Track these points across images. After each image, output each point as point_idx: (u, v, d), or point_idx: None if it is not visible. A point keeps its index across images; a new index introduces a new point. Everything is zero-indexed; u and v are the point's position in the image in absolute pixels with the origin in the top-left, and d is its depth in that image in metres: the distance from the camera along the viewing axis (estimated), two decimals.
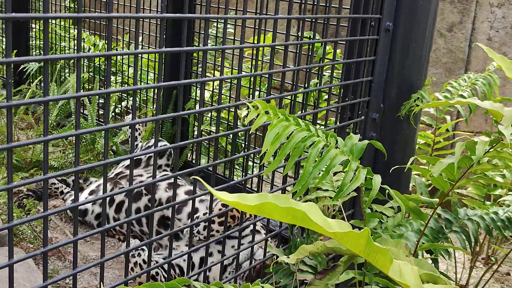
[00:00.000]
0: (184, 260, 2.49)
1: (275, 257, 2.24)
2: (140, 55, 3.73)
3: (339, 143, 1.50)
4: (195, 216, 2.46)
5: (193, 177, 1.22)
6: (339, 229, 0.94)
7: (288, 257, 1.55)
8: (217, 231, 2.38)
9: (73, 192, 3.08)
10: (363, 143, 1.51)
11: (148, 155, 3.05)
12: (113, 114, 3.94)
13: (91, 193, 2.91)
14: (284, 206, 0.89)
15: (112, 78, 4.26)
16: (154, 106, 3.82)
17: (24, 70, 4.44)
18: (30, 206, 2.74)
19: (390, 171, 1.79)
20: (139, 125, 3.35)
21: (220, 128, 3.72)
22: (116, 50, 4.28)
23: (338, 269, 1.56)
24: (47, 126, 1.07)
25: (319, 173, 1.44)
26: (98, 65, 4.25)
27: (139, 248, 2.38)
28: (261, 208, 0.89)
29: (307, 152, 1.43)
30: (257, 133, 3.11)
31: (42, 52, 4.55)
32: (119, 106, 4.12)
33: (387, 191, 1.54)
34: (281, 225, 1.97)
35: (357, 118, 2.21)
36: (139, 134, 3.34)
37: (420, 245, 1.63)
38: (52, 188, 3.06)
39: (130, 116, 3.47)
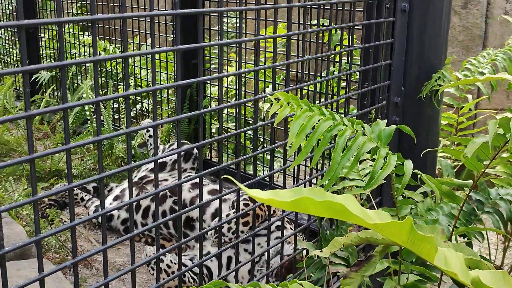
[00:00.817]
0: (211, 261, 2.46)
1: (304, 252, 2.20)
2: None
3: (366, 130, 1.45)
4: (217, 218, 2.43)
5: (223, 176, 1.17)
6: (379, 220, 0.90)
7: (321, 251, 1.51)
8: (242, 232, 2.34)
9: (94, 199, 3.06)
10: (391, 129, 1.47)
11: (173, 159, 3.02)
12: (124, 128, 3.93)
13: (115, 198, 2.89)
14: (321, 200, 0.85)
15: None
16: (169, 107, 3.79)
17: (37, 80, 4.43)
18: (53, 216, 2.72)
19: (421, 155, 1.73)
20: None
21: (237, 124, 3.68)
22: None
23: (373, 260, 1.51)
24: (68, 134, 1.03)
25: (348, 163, 1.39)
26: (110, 70, 4.23)
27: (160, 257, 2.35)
28: (297, 203, 0.85)
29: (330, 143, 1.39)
30: (274, 126, 3.07)
31: (53, 61, 4.54)
32: (134, 109, 4.09)
33: (418, 176, 1.49)
34: (309, 218, 1.93)
35: (378, 104, 2.16)
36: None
37: (456, 229, 1.57)
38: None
39: (147, 120, 3.44)
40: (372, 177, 1.38)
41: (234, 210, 2.42)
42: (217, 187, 2.73)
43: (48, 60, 4.63)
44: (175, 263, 2.35)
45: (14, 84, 4.78)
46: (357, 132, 1.42)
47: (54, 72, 4.46)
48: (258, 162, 3.39)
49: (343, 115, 1.53)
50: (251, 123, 3.85)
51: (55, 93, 4.47)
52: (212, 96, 3.58)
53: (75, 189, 3.07)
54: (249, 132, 3.42)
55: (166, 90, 3.95)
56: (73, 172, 3.35)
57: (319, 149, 1.38)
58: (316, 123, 1.38)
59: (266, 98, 3.03)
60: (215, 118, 3.65)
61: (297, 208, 0.87)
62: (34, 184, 1.00)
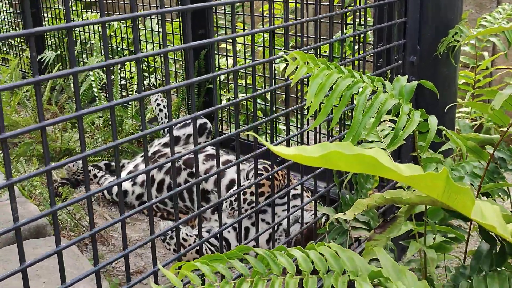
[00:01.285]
0: (229, 232, 2.42)
1: (323, 220, 2.16)
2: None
3: (387, 87, 1.39)
4: (232, 189, 2.39)
5: (248, 132, 1.13)
6: (411, 173, 0.85)
7: (345, 214, 1.46)
8: (259, 203, 2.30)
9: (107, 175, 3.03)
10: (412, 85, 1.41)
11: (187, 134, 2.97)
12: (137, 94, 3.87)
13: (129, 174, 2.85)
14: (351, 153, 0.80)
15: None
16: (177, 81, 3.73)
17: (42, 60, 4.38)
18: (67, 194, 2.69)
19: (443, 111, 1.68)
20: (163, 102, 3.26)
21: (247, 94, 3.61)
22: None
23: (398, 220, 1.47)
24: (79, 98, 0.98)
25: (369, 121, 1.33)
26: (116, 47, 4.17)
27: (171, 232, 2.32)
28: (326, 158, 0.80)
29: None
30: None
31: (57, 40, 4.48)
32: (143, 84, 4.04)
33: (443, 132, 1.43)
34: (328, 185, 1.88)
35: (394, 64, 2.09)
36: (164, 108, 3.24)
37: (483, 186, 1.52)
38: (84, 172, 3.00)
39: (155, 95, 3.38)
40: (395, 135, 1.32)
41: (249, 181, 2.38)
42: (231, 157, 2.68)
43: (52, 40, 4.56)
44: (190, 236, 2.32)
45: (20, 66, 4.73)
46: (377, 89, 1.36)
47: (59, 52, 4.40)
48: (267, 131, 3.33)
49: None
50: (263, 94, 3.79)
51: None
52: (221, 67, 3.52)
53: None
54: (260, 101, 3.36)
55: (174, 64, 3.89)
56: None
57: (339, 108, 1.32)
58: (335, 82, 1.33)
59: (280, 59, 2.95)
60: (225, 90, 3.60)
61: (327, 163, 0.82)
62: (47, 152, 0.96)
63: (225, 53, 3.36)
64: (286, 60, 1.37)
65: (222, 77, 3.37)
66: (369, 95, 1.34)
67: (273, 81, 1.58)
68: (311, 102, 1.30)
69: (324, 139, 3.40)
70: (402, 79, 1.42)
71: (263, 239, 2.35)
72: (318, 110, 1.38)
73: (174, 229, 2.33)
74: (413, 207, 1.43)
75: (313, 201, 1.82)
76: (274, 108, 3.13)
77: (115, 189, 2.80)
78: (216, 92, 3.33)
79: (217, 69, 3.31)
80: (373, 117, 1.35)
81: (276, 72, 3.02)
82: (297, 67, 1.34)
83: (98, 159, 3.25)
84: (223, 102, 3.50)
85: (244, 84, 3.21)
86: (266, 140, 3.22)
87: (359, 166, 0.82)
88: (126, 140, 1.10)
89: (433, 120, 1.33)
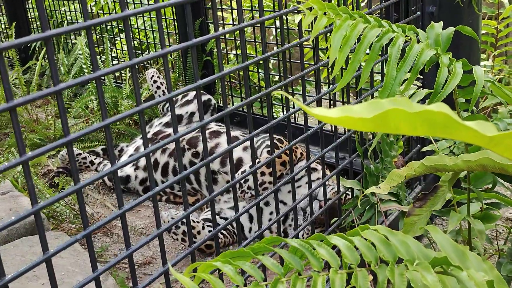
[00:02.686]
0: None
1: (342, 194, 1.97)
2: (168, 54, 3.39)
3: (420, 36, 1.19)
4: (240, 171, 2.20)
5: (280, 92, 0.93)
6: (494, 133, 0.65)
7: (378, 187, 1.27)
8: (270, 183, 2.11)
9: (106, 161, 2.83)
10: (449, 32, 1.20)
11: (189, 112, 2.76)
12: (130, 73, 3.65)
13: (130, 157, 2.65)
14: (415, 110, 0.60)
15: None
16: (173, 55, 3.51)
17: (28, 45, 4.15)
18: (63, 184, 2.50)
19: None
20: (160, 78, 3.05)
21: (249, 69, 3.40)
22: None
23: (440, 191, 1.27)
24: (57, 74, 0.78)
25: (404, 76, 1.13)
26: (105, 25, 3.93)
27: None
28: (383, 119, 0.60)
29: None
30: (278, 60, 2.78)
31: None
32: None
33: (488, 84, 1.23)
34: (350, 156, 1.69)
35: (412, 15, 1.88)
36: (162, 85, 3.03)
37: None
38: (79, 160, 2.80)
39: (151, 69, 3.17)
40: (436, 92, 1.12)
41: (257, 160, 2.18)
42: (237, 133, 2.48)
43: (37, 23, 4.33)
44: (198, 222, 2.13)
45: (5, 53, 4.50)
46: (410, 39, 1.15)
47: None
48: (276, 102, 3.13)
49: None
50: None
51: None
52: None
53: (82, 152, 2.84)
54: (260, 70, 3.15)
55: (167, 38, 3.66)
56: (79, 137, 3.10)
57: (368, 63, 1.12)
58: (361, 33, 1.12)
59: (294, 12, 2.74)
60: (224, 61, 3.38)
61: (383, 125, 0.62)
62: (20, 140, 0.76)
63: (221, 21, 3.14)
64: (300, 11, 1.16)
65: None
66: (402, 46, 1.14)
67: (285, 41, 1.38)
68: (335, 58, 1.09)
69: (339, 103, 3.19)
70: (437, 26, 1.22)
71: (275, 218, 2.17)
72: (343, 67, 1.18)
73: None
74: (457, 174, 1.24)
75: (335, 175, 1.62)
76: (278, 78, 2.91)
77: None
78: (213, 67, 3.13)
79: (213, 39, 3.09)
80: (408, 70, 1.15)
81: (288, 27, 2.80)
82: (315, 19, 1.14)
83: (95, 145, 3.06)
84: None
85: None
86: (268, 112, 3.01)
87: (425, 126, 0.62)
88: (118, 119, 0.90)
89: (479, 71, 1.13)
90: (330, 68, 2.35)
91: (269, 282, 0.77)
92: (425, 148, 1.85)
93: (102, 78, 3.59)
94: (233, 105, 3.26)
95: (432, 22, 2.00)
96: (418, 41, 1.18)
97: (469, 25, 2.11)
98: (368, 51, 1.14)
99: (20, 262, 1.81)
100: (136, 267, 2.14)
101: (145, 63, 3.82)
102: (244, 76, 1.17)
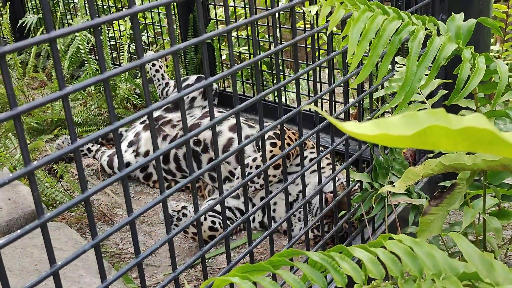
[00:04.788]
0: (243, 203, 2.19)
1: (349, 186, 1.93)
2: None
3: (441, 29, 1.13)
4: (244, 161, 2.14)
5: (309, 107, 0.88)
6: None
7: (393, 185, 1.22)
8: (274, 176, 2.07)
9: (103, 148, 2.77)
10: (470, 24, 1.15)
11: (190, 97, 2.70)
12: (128, 54, 3.58)
13: (129, 144, 2.60)
14: (457, 127, 0.55)
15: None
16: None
17: (24, 25, 4.06)
18: (62, 171, 2.45)
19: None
20: (159, 61, 2.98)
21: (250, 47, 3.34)
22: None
23: (458, 189, 1.23)
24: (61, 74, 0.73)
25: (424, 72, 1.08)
26: (101, 5, 3.85)
27: (177, 213, 2.09)
28: (422, 136, 0.56)
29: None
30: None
31: (37, 2, 4.15)
32: (133, 44, 3.74)
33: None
34: (360, 147, 1.64)
35: (423, 1, 1.82)
36: (160, 68, 2.96)
37: None
38: None
39: (149, 52, 3.10)
40: (457, 89, 1.07)
41: (260, 152, 2.14)
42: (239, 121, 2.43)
43: (32, 2, 4.23)
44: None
45: (0, 33, 4.41)
46: (432, 32, 1.10)
47: (41, 14, 4.08)
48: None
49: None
50: (267, 48, 3.49)
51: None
52: (218, 18, 3.22)
53: (77, 140, 2.78)
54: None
55: (166, 20, 3.58)
56: (77, 120, 3.05)
57: (387, 57, 1.07)
58: (381, 26, 1.07)
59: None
60: (224, 43, 3.31)
61: (422, 143, 0.57)
62: (25, 147, 0.71)
63: (221, 3, 3.07)
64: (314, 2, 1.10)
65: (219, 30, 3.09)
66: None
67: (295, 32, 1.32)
68: (353, 52, 1.04)
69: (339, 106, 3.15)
70: (458, 17, 1.16)
71: (282, 210, 2.13)
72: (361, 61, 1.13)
73: (181, 209, 2.11)
74: (475, 172, 1.19)
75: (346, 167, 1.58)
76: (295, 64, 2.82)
77: (115, 162, 2.56)
78: (214, 50, 3.06)
79: (213, 21, 3.02)
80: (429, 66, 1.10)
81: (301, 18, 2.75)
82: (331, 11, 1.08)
83: (94, 129, 3.00)
84: (223, 57, 3.22)
85: (245, 36, 2.93)
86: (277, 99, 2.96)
87: (466, 143, 0.58)
88: (129, 121, 0.84)
89: (503, 67, 1.08)
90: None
91: None
92: None
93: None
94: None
95: (443, 8, 1.95)
96: (439, 34, 1.13)
97: (480, 10, 2.05)
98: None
99: (21, 254, 1.77)
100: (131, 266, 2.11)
101: (144, 47, 3.74)
102: (255, 71, 1.12)
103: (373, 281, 0.76)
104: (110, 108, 0.80)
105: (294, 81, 1.21)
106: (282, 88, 1.84)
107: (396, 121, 0.59)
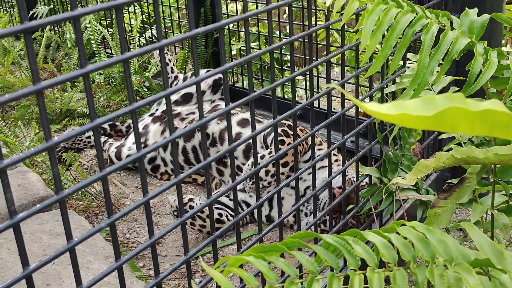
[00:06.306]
0: (251, 196, 2.21)
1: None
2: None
3: (454, 23, 1.14)
4: (250, 161, 2.15)
5: (335, 86, 0.90)
6: None
7: (404, 178, 1.23)
8: (282, 173, 2.08)
9: (111, 140, 2.79)
10: (484, 19, 1.16)
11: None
12: (138, 47, 3.59)
13: None
14: (476, 109, 0.56)
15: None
16: (182, 32, 3.45)
17: (34, 16, 4.08)
18: (71, 160, 2.47)
19: None
20: (168, 55, 3.00)
21: (260, 42, 3.34)
22: None
23: (467, 183, 1.24)
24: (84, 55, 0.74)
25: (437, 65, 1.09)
26: None
27: (186, 205, 2.11)
28: (442, 117, 0.57)
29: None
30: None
31: None
32: (143, 36, 3.76)
33: None
34: (369, 142, 1.65)
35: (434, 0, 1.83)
36: (170, 61, 2.98)
37: None
38: (83, 139, 2.78)
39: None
40: (469, 83, 1.08)
41: (269, 150, 2.15)
42: (247, 116, 2.44)
43: None
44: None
45: (11, 22, 4.44)
46: (445, 26, 1.11)
47: (52, 6, 4.11)
48: (287, 83, 3.08)
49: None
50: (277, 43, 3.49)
51: (56, 29, 4.12)
52: (229, 14, 3.24)
53: (85, 132, 2.80)
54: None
55: (177, 14, 3.60)
56: (86, 111, 3.07)
57: (399, 50, 1.08)
58: (394, 18, 1.08)
59: None
60: (234, 38, 3.32)
61: (442, 124, 0.58)
62: (46, 122, 0.72)
63: None
64: None
65: (230, 25, 3.10)
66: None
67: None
68: (367, 44, 1.05)
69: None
70: (471, 12, 1.17)
71: (289, 204, 2.15)
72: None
73: (188, 201, 2.12)
74: (485, 166, 1.20)
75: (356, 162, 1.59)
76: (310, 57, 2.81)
77: (124, 153, 2.58)
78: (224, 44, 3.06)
79: (224, 16, 3.03)
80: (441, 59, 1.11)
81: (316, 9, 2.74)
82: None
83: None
84: (233, 52, 3.23)
85: (256, 31, 2.94)
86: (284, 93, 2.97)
87: (484, 126, 0.59)
88: (145, 103, 0.86)
89: None
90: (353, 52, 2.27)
91: (304, 280, 0.75)
92: (443, 136, 1.82)
93: (111, 53, 3.53)
94: (242, 83, 3.21)
95: (455, 7, 1.96)
96: (452, 29, 1.14)
97: (493, 10, 2.06)
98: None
99: (30, 240, 1.78)
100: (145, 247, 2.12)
101: (153, 38, 3.76)
102: (270, 60, 1.13)
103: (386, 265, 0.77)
104: (129, 88, 0.82)
105: (303, 77, 1.22)
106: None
107: (415, 104, 0.60)
